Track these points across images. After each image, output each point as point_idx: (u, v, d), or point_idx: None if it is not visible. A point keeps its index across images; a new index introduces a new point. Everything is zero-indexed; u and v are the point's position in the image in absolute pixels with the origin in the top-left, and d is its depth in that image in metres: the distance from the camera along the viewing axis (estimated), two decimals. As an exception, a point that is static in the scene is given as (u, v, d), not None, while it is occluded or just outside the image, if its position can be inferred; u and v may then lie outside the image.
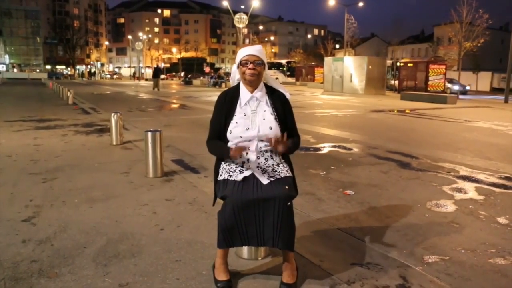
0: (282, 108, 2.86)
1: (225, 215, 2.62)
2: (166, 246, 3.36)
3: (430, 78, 28.56)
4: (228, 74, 49.08)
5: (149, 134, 5.72)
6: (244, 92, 2.84)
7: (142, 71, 79.09)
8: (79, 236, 3.57)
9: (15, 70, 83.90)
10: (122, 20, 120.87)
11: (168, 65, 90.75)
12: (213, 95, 24.20)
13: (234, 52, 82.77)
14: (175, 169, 6.08)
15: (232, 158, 2.72)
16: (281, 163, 2.85)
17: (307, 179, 5.67)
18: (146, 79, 63.52)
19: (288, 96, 2.93)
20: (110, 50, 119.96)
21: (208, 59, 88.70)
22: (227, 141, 2.82)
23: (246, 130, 2.74)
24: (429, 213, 4.32)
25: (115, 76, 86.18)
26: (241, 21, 38.41)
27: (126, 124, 11.09)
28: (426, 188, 5.27)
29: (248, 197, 2.59)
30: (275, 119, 2.80)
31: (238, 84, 2.90)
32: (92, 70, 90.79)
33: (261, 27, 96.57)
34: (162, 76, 57.55)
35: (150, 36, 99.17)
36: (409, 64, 31.57)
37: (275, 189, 2.62)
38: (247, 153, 2.75)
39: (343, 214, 4.24)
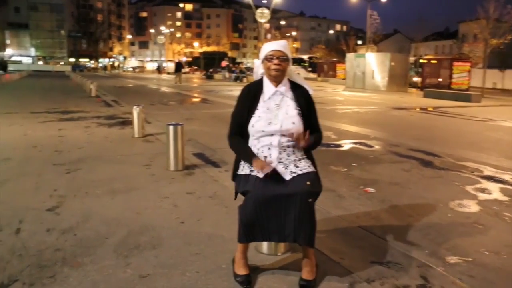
0: (305, 104, 2.84)
1: (246, 210, 2.63)
2: (186, 239, 3.39)
3: (454, 75, 28.03)
4: (249, 69, 49.12)
5: (171, 127, 5.77)
6: (268, 86, 2.83)
7: (164, 65, 79.66)
8: (101, 226, 3.63)
9: (40, 62, 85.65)
10: (144, 14, 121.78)
11: (190, 59, 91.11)
12: (234, 90, 24.25)
13: (256, 47, 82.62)
14: (196, 163, 6.11)
15: (255, 168, 2.69)
16: (303, 158, 2.85)
17: (328, 175, 5.63)
18: (168, 73, 63.95)
19: (311, 92, 2.92)
20: (132, 44, 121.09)
21: (230, 54, 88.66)
22: (248, 135, 2.82)
23: (269, 124, 2.74)
24: (452, 213, 4.25)
25: (137, 70, 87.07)
26: (263, 16, 38.25)
27: (148, 117, 11.19)
28: (449, 188, 5.19)
29: (270, 192, 2.59)
30: (298, 114, 2.79)
31: (262, 79, 2.89)
32: (115, 63, 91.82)
33: (283, 22, 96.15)
34: (185, 70, 57.98)
35: (172, 30, 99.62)
36: (432, 61, 31.05)
37: (297, 184, 2.61)
38: (270, 154, 2.74)
39: (364, 212, 4.20)
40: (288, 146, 2.78)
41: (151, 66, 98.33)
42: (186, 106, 15.56)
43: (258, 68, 2.93)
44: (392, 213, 4.19)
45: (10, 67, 55.96)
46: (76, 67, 76.95)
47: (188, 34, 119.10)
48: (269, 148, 2.76)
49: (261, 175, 2.68)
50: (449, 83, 27.86)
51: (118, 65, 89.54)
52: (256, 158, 2.70)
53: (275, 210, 2.60)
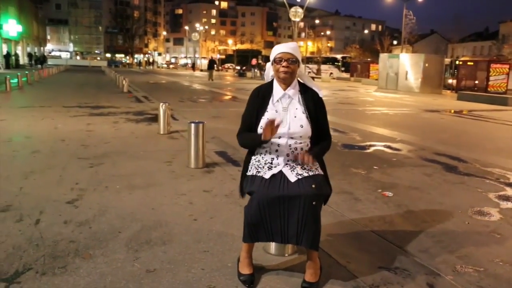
0: (314, 107, 2.84)
1: (251, 211, 2.65)
2: (196, 236, 3.44)
3: (491, 78, 27.16)
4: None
5: (192, 125, 5.85)
6: (277, 89, 2.84)
7: (198, 61, 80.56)
8: (116, 220, 3.73)
9: (78, 57, 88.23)
10: (180, 11, 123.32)
11: (223, 57, 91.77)
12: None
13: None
14: (217, 161, 6.17)
15: (264, 138, 2.67)
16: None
17: (347, 178, 5.60)
18: (201, 70, 64.66)
19: (321, 94, 2.90)
20: (167, 40, 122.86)
21: (263, 52, 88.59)
22: None
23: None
24: (470, 220, 4.15)
25: (171, 66, 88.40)
26: (296, 14, 38.16)
27: (176, 114, 11.39)
28: (470, 194, 5.06)
29: (274, 194, 2.61)
30: (307, 117, 2.79)
31: (272, 81, 2.91)
32: (150, 60, 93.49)
33: (317, 21, 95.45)
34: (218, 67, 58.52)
35: (206, 27, 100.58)
36: (469, 63, 30.16)
37: (302, 187, 2.61)
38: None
39: (378, 216, 4.16)
40: (296, 149, 2.78)
41: (185, 62, 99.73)
42: (214, 104, 15.70)
43: (269, 70, 2.95)
44: (407, 218, 4.12)
45: (49, 62, 57.82)
46: (112, 62, 78.82)
47: (222, 32, 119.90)
48: (276, 150, 2.78)
49: (267, 176, 2.70)
50: (486, 85, 27.03)
51: (153, 61, 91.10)
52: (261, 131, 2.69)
53: (279, 211, 2.61)
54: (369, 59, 54.42)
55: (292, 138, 2.76)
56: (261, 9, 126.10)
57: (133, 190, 4.64)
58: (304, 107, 2.82)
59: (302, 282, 2.71)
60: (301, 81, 2.92)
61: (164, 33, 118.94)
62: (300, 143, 2.78)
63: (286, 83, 2.82)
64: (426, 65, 26.30)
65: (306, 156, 2.70)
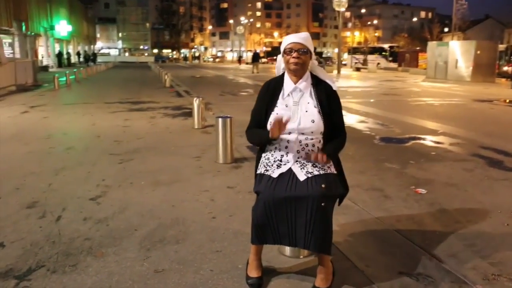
0: (327, 101, 2.65)
1: (257, 212, 2.53)
2: (211, 235, 3.36)
3: (551, 64, 25.45)
4: (327, 59, 48.26)
5: (220, 120, 5.77)
6: (288, 82, 2.69)
7: (244, 55, 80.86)
8: (134, 218, 3.70)
9: (126, 54, 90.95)
10: (225, 5, 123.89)
11: (269, 49, 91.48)
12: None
13: (336, 37, 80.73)
14: (247, 156, 6.07)
15: (272, 136, 2.55)
16: (324, 158, 2.66)
17: (379, 173, 5.34)
18: (247, 63, 64.85)
19: (335, 87, 2.71)
20: (213, 34, 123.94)
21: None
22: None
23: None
24: (510, 222, 3.82)
25: (217, 60, 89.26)
26: (340, 4, 37.37)
27: (214, 108, 11.40)
28: (513, 192, 4.69)
29: (281, 194, 2.46)
30: (319, 112, 2.62)
31: (283, 74, 2.75)
32: (196, 54, 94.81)
33: (364, 11, 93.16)
34: (263, 60, 58.49)
35: (252, 20, 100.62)
36: (526, 49, 28.41)
37: (310, 187, 2.45)
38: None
39: (407, 215, 3.91)
40: (307, 145, 2.62)
41: (231, 56, 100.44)
42: (255, 97, 15.56)
43: (280, 63, 2.79)
44: (438, 218, 3.85)
45: (99, 59, 59.83)
46: (159, 57, 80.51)
47: (268, 24, 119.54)
48: (286, 147, 2.63)
49: (275, 175, 2.55)
50: (545, 73, 25.35)
51: (199, 56, 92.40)
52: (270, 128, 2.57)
53: (286, 213, 2.47)
54: (417, 48, 52.52)
55: (302, 133, 2.60)
56: (307, 0, 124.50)
57: (157, 186, 4.62)
58: (316, 101, 2.64)
59: (312, 287, 2.56)
60: (313, 73, 2.74)
61: (210, 27, 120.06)
62: (312, 139, 2.61)
63: (297, 75, 2.66)
64: (478, 52, 24.97)
65: (320, 155, 2.53)
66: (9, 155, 6.01)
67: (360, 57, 53.18)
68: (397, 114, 10.80)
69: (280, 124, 2.47)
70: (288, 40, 2.64)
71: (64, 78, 19.74)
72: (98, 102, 12.62)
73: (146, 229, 3.47)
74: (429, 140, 7.50)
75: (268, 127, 2.64)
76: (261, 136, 2.66)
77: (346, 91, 18.09)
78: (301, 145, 2.61)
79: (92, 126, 8.46)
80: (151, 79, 24.70)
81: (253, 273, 2.66)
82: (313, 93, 2.67)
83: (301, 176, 2.53)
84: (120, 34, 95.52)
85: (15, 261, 2.94)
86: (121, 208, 3.93)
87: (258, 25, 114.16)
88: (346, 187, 2.77)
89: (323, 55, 57.14)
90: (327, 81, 2.73)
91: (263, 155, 2.75)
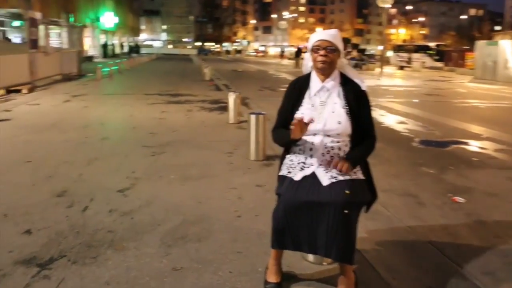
0: (355, 101, 2.51)
1: (277, 215, 2.43)
2: (234, 235, 3.29)
3: None
4: (370, 56, 47.28)
5: (252, 116, 5.69)
6: (315, 81, 2.57)
7: (286, 50, 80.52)
8: (159, 212, 3.69)
9: (170, 46, 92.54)
10: (268, 0, 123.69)
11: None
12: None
13: (380, 33, 79.14)
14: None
15: (294, 138, 2.43)
16: (352, 162, 2.52)
17: (415, 178, 5.12)
18: (289, 58, 64.56)
19: (364, 87, 2.57)
20: (256, 29, 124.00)
21: (353, 40, 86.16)
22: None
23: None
24: (555, 237, 3.55)
25: (259, 54, 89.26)
26: (385, 0, 36.38)
27: (251, 103, 11.34)
28: (561, 205, 4.37)
29: (302, 198, 2.35)
30: (346, 113, 2.48)
31: (310, 73, 2.63)
32: (239, 48, 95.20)
33: (410, 7, 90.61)
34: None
35: (295, 15, 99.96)
36: None
37: (333, 193, 2.33)
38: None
39: (441, 225, 3.70)
40: (333, 148, 2.49)
41: (273, 51, 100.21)
42: (292, 93, 15.41)
43: (308, 61, 2.67)
44: (476, 231, 3.62)
45: (142, 51, 61.08)
46: (201, 50, 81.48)
47: (311, 20, 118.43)
48: (310, 149, 2.51)
49: (297, 177, 2.44)
50: None
51: (241, 50, 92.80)
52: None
53: (306, 218, 2.36)
54: (466, 47, 50.58)
55: (328, 136, 2.48)
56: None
57: (186, 181, 4.60)
58: (344, 101, 2.51)
59: (332, 297, 2.44)
60: (342, 72, 2.61)
61: (253, 21, 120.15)
62: (338, 142, 2.48)
63: (324, 74, 2.53)
64: (531, 53, 23.75)
65: (340, 163, 2.39)
66: (47, 143, 6.17)
67: (405, 55, 51.81)
68: (439, 116, 10.39)
69: (302, 125, 2.36)
70: (315, 37, 2.52)
71: (107, 69, 20.22)
72: (138, 93, 12.82)
73: (170, 225, 3.44)
74: (471, 145, 7.15)
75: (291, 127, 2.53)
76: (283, 136, 2.56)
77: (388, 90, 17.63)
78: (326, 148, 2.49)
79: (129, 117, 8.58)
80: (191, 72, 24.92)
81: (272, 278, 2.57)
82: (341, 93, 2.54)
83: (325, 181, 2.40)
84: (164, 27, 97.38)
85: (39, 249, 2.98)
86: (147, 202, 3.93)
87: (301, 20, 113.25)
88: (374, 193, 2.62)
89: (366, 52, 55.94)
90: (356, 80, 2.59)
91: (287, 156, 2.66)
